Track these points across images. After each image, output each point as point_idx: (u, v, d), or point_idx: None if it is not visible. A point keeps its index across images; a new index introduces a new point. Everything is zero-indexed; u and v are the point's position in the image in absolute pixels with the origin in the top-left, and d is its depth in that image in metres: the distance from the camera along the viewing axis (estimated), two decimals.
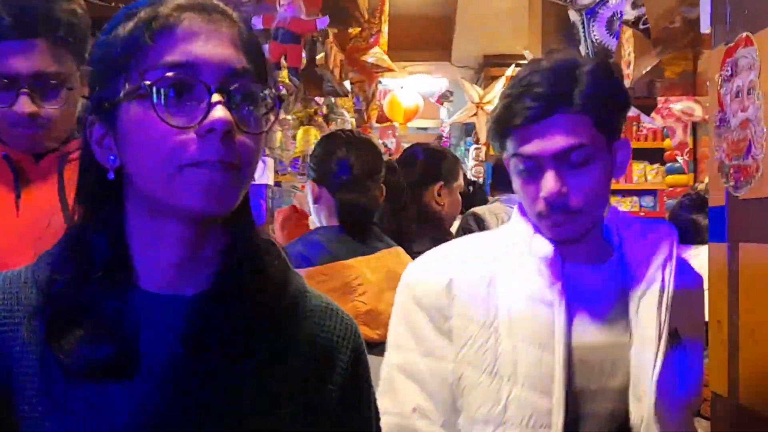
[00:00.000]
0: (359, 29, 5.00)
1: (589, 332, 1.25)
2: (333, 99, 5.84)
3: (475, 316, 1.24)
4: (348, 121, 5.78)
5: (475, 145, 8.25)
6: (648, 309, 1.23)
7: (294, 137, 4.34)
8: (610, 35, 2.80)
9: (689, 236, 3.07)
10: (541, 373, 1.20)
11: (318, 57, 3.65)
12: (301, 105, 3.57)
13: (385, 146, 8.38)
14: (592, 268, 1.29)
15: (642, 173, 7.53)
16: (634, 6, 2.95)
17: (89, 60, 0.80)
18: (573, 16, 2.87)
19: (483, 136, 7.16)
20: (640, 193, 7.63)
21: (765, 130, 1.56)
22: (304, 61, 3.15)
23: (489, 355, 1.21)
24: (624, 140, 1.30)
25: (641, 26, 3.07)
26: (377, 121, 7.99)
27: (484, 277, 1.27)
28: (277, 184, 4.53)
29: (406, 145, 4.02)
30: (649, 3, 3.03)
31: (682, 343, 1.26)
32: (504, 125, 1.25)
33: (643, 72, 4.14)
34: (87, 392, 0.75)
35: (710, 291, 1.87)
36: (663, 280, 1.24)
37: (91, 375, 0.75)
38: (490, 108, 7.04)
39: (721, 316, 1.77)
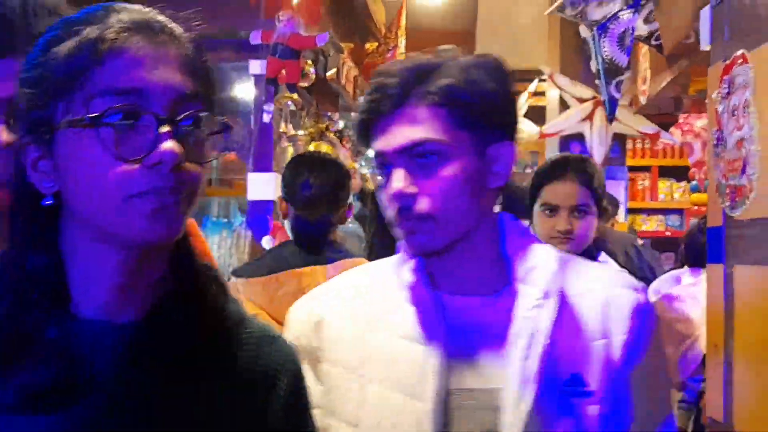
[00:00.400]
0: (376, 44, 5.02)
1: (467, 375, 1.04)
2: (352, 114, 5.86)
3: (343, 360, 1.08)
4: None
5: None
6: (517, 352, 1.02)
7: None
8: (622, 51, 2.76)
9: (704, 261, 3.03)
10: (409, 425, 1.02)
11: (330, 73, 3.66)
12: (313, 120, 3.58)
13: None
14: (479, 299, 1.08)
15: (669, 191, 7.40)
16: (647, 21, 2.92)
17: (22, 78, 0.78)
18: (584, 32, 2.84)
19: None
20: (666, 211, 7.47)
21: (759, 149, 1.53)
22: (313, 76, 3.16)
23: (351, 404, 1.05)
24: (505, 144, 1.10)
25: (654, 42, 3.04)
26: None
27: (357, 316, 1.10)
28: None
29: None
30: (662, 18, 3.00)
31: (591, 397, 1.04)
32: (359, 124, 1.11)
33: (659, 88, 4.09)
34: (24, 423, 0.73)
35: (708, 314, 1.83)
36: (540, 320, 1.04)
37: (27, 406, 0.73)
38: None
39: (718, 339, 1.72)
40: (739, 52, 1.61)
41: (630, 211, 7.04)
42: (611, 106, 2.90)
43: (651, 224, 7.31)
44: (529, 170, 7.16)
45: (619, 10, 2.69)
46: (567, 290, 1.07)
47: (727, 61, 1.66)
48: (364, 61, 4.78)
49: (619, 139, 5.09)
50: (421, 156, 1.04)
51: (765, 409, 1.47)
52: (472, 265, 1.08)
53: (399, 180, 1.03)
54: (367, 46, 4.91)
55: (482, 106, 1.05)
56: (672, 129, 4.85)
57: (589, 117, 4.37)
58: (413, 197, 1.03)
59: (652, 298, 2.77)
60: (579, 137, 4.74)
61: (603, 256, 2.27)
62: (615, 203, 4.22)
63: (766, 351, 1.51)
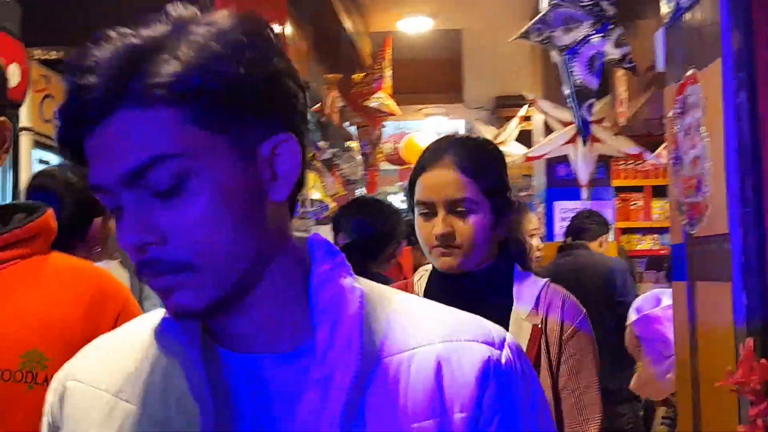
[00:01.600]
0: (363, 74, 5.08)
1: None
2: (345, 143, 5.93)
3: None
4: (359, 162, 5.85)
5: None
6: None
7: None
8: (591, 74, 2.81)
9: None
10: None
11: (316, 107, 3.71)
12: None
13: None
14: (269, 359, 0.76)
15: (662, 210, 7.45)
16: (618, 45, 2.97)
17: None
18: (554, 57, 2.89)
19: None
20: (660, 230, 7.51)
21: (712, 166, 1.56)
22: None
23: None
24: (281, 137, 0.74)
25: (626, 64, 3.08)
26: (392, 163, 8.07)
27: (111, 384, 0.80)
28: None
29: None
30: (633, 41, 3.05)
31: None
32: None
33: (635, 109, 4.14)
34: None
35: (675, 331, 1.85)
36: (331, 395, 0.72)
37: None
38: (505, 148, 7.09)
39: (684, 355, 1.74)
40: (690, 72, 1.65)
41: (625, 231, 7.07)
42: (584, 128, 2.94)
43: (646, 243, 7.36)
44: (524, 193, 7.23)
45: (588, 35, 2.74)
46: (385, 348, 0.75)
47: (680, 82, 1.70)
48: (350, 92, 4.84)
49: (604, 161, 5.14)
50: (154, 184, 0.69)
51: (730, 422, 1.48)
52: (260, 315, 0.76)
53: (130, 226, 0.70)
54: (354, 76, 4.98)
55: (234, 92, 0.71)
56: (660, 149, 4.89)
57: (573, 140, 4.42)
58: (157, 244, 0.70)
59: (633, 317, 2.79)
60: (565, 159, 4.79)
61: (531, 278, 1.49)
62: (605, 223, 4.26)
63: (729, 365, 1.53)
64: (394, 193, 10.05)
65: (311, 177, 3.50)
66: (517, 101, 6.94)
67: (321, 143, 4.32)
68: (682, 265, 1.74)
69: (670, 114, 1.77)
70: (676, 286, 1.80)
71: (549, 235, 5.33)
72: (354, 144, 5.72)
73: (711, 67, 1.55)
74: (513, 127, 6.71)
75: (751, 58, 1.41)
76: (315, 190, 4.41)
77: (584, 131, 3.03)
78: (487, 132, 7.11)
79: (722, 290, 1.50)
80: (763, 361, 1.04)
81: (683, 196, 1.70)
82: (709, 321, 1.61)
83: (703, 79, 1.59)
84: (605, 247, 4.27)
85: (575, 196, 5.41)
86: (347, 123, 5.38)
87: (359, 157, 5.90)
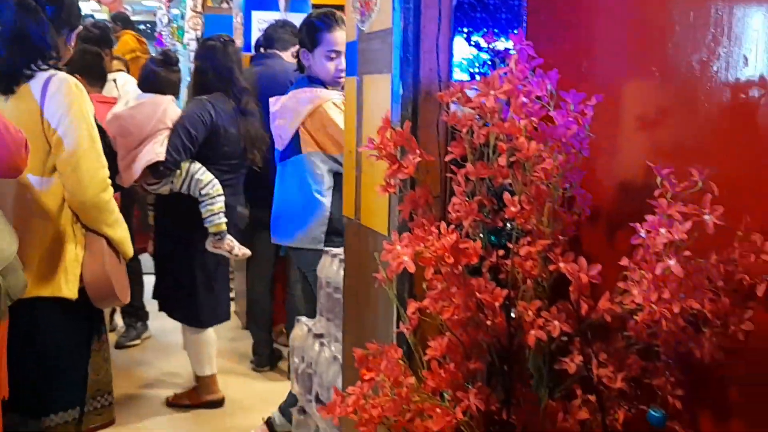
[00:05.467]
0: None
1: None
2: None
3: None
4: None
5: None
6: None
7: None
8: None
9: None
10: None
11: None
12: None
13: None
14: None
15: None
16: None
17: None
18: None
19: None
20: None
21: None
22: None
23: None
24: None
25: None
26: None
27: None
28: None
29: None
30: None
31: None
32: None
33: None
34: None
35: (345, 123, 2.00)
36: None
37: None
38: None
39: (351, 145, 1.91)
40: None
41: None
42: None
43: None
44: (225, 6, 7.02)
45: None
46: None
47: None
48: None
49: None
50: None
51: (380, 202, 1.67)
52: None
53: None
54: None
55: None
56: None
57: None
58: None
59: None
60: None
61: None
62: (297, 34, 4.35)
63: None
64: None
65: None
66: None
67: None
68: (353, 60, 1.86)
69: None
70: (348, 81, 1.93)
71: (246, 46, 5.30)
72: None
73: None
74: None
75: None
76: None
77: None
78: None
79: (384, 81, 1.64)
80: (398, 129, 1.19)
81: None
82: (372, 111, 1.76)
83: None
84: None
85: (274, 6, 5.40)
86: None
87: None
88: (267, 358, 4.75)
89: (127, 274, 2.77)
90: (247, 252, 3.88)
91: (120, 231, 2.65)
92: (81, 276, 2.54)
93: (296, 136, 3.16)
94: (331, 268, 2.36)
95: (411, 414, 1.18)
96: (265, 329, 4.76)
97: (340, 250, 2.32)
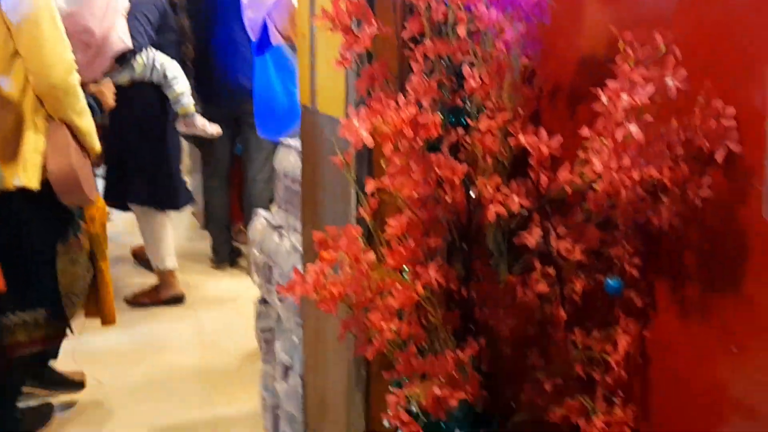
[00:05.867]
0: None
1: None
2: None
3: None
4: None
5: None
6: None
7: None
8: None
9: None
10: None
11: None
12: None
13: None
14: None
15: None
16: None
17: None
18: None
19: None
20: None
21: None
22: None
23: None
24: None
25: None
26: None
27: None
28: None
29: None
30: None
31: None
32: None
33: None
34: None
35: (298, 3, 1.93)
36: None
37: None
38: None
39: (305, 29, 1.84)
40: None
41: None
42: None
43: None
44: None
45: None
46: None
47: None
48: None
49: None
50: None
51: (336, 86, 1.63)
52: None
53: None
54: None
55: None
56: None
57: None
58: None
59: None
60: None
61: None
62: None
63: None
64: None
65: None
66: None
67: None
68: None
69: None
70: None
71: None
72: None
73: None
74: None
75: None
76: None
77: None
78: None
79: None
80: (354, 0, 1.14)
81: None
82: None
83: None
84: None
85: None
86: None
87: None
88: (227, 255, 4.75)
89: (93, 173, 2.73)
90: (219, 130, 3.94)
91: (87, 121, 2.60)
92: (46, 169, 2.50)
93: (266, 28, 3.11)
94: (289, 159, 2.32)
95: (372, 293, 1.18)
96: (223, 227, 4.75)
97: (297, 142, 2.28)
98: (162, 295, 4.11)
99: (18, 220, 2.55)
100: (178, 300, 4.13)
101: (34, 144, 2.47)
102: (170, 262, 4.08)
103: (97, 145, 2.67)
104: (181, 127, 3.83)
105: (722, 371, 1.02)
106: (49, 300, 2.64)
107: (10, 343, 2.58)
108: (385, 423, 1.50)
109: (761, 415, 0.97)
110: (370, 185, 1.19)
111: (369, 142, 1.04)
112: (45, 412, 2.97)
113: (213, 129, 3.88)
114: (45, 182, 2.50)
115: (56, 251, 2.65)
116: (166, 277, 4.10)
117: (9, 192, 2.46)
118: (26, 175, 2.46)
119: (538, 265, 1.20)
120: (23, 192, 2.47)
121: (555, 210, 1.17)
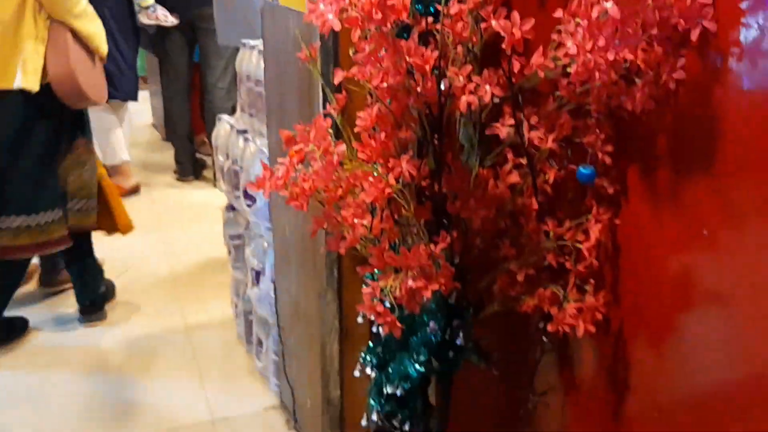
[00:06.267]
0: None
1: None
2: None
3: None
4: None
5: None
6: None
7: None
8: None
9: None
10: None
11: None
12: None
13: None
14: None
15: None
16: None
17: None
18: None
19: None
20: None
21: None
22: None
23: None
24: None
25: None
26: None
27: None
28: None
29: None
30: None
31: None
32: None
33: None
34: None
35: None
36: None
37: None
38: None
39: None
40: None
41: None
42: None
43: None
44: None
45: None
46: None
47: None
48: None
49: None
50: None
51: None
52: None
53: None
54: None
55: None
56: None
57: None
58: None
59: None
60: None
61: None
62: None
63: None
64: None
65: None
66: None
67: None
68: None
69: None
70: None
71: None
72: None
73: None
74: None
75: None
76: None
77: None
78: None
79: None
80: None
81: None
82: None
83: None
84: None
85: None
86: None
87: None
88: (191, 168, 4.69)
89: (103, 74, 2.67)
90: (177, 20, 4.27)
91: (88, 24, 2.55)
92: (47, 71, 2.48)
93: None
94: (251, 60, 2.26)
95: (343, 190, 1.16)
96: (185, 138, 4.67)
97: (258, 42, 2.21)
98: (123, 186, 4.22)
99: (21, 122, 2.52)
100: (134, 191, 4.37)
101: (33, 47, 2.45)
102: (124, 153, 4.31)
103: (102, 47, 2.62)
104: (144, 19, 4.07)
105: (693, 255, 1.03)
106: (56, 204, 2.61)
107: (13, 246, 2.56)
108: (359, 319, 1.51)
109: (731, 298, 0.98)
110: (339, 76, 1.15)
111: (336, 25, 1.00)
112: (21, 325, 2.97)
113: (172, 19, 4.21)
114: (47, 85, 2.48)
115: (60, 153, 2.61)
116: (120, 168, 4.30)
117: (12, 93, 2.45)
118: (26, 78, 2.44)
119: (510, 156, 1.19)
120: (24, 94, 2.46)
121: (527, 100, 1.15)
